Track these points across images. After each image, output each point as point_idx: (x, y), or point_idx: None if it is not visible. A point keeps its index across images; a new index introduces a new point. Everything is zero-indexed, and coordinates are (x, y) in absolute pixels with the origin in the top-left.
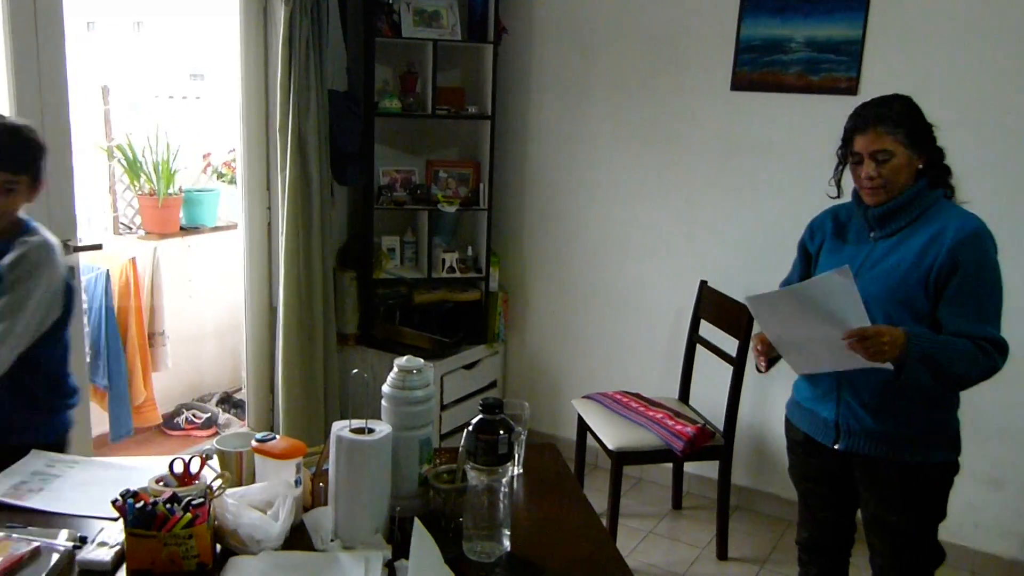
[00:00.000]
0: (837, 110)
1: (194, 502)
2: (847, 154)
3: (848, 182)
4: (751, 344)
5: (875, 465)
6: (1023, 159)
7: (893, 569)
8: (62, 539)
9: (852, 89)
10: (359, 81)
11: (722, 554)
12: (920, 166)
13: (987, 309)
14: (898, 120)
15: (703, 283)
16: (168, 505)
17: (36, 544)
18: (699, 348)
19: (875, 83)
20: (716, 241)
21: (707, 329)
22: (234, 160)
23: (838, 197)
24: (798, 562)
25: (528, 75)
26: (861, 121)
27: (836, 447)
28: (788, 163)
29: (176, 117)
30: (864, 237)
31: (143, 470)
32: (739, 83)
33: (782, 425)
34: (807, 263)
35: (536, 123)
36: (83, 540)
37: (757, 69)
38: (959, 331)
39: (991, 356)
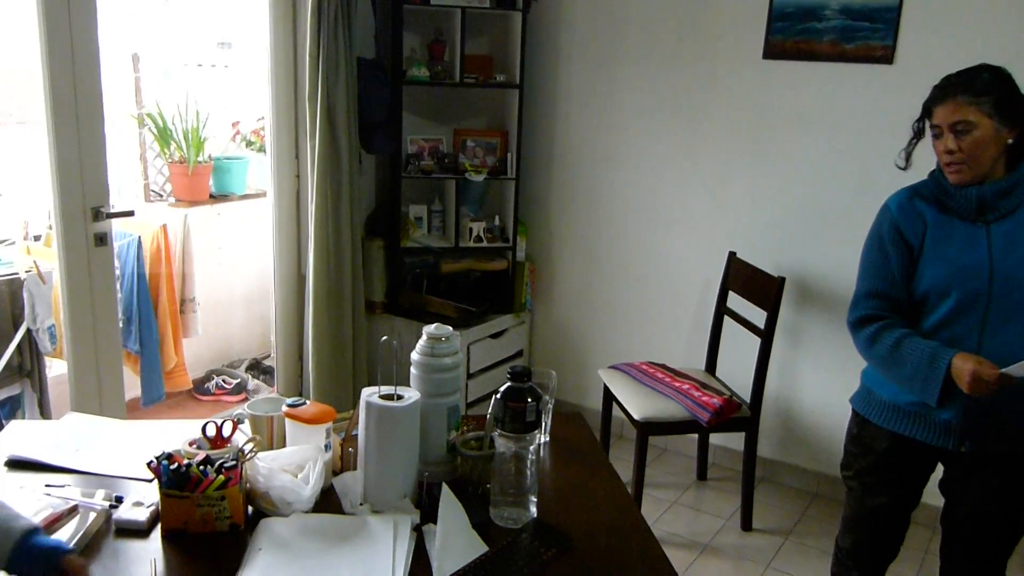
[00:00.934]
0: (871, 80)
1: (226, 465)
2: (922, 128)
3: (922, 157)
4: (982, 379)
5: (1001, 460)
6: None
7: (988, 560)
8: (99, 499)
9: (887, 58)
10: (387, 49)
11: (747, 525)
12: (1010, 140)
13: None
14: (983, 89)
15: (732, 254)
16: (201, 467)
17: (74, 503)
18: (727, 319)
19: (912, 52)
20: (745, 212)
21: (735, 301)
22: (263, 128)
23: (906, 169)
24: (837, 565)
25: (557, 43)
26: (941, 91)
27: (962, 449)
28: (820, 134)
29: (205, 85)
30: (969, 219)
31: (176, 433)
32: (771, 51)
33: (809, 397)
34: (907, 255)
35: (565, 92)
36: (119, 500)
37: (790, 37)
38: None
39: None
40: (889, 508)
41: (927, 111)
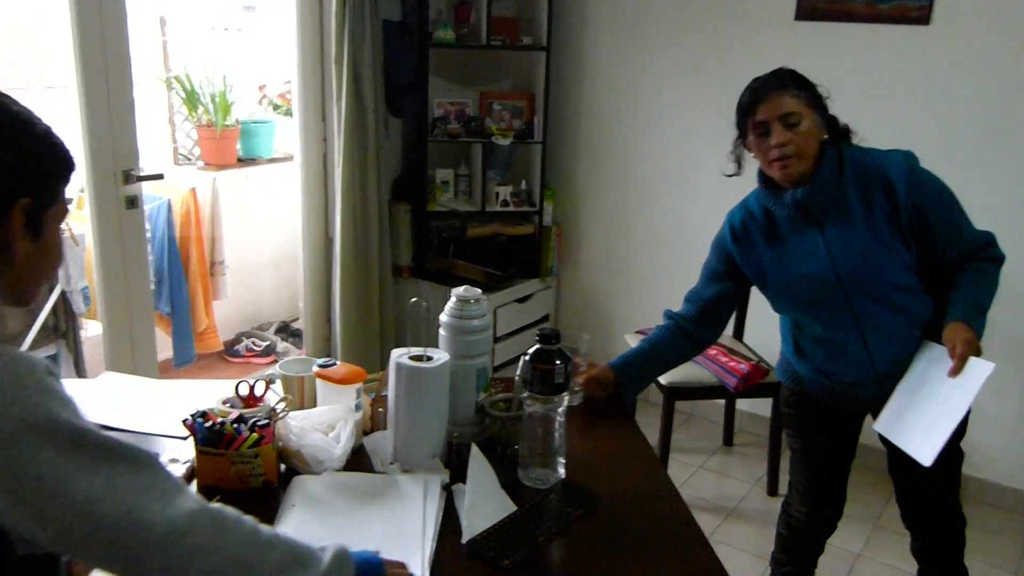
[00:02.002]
0: (907, 41)
1: (260, 423)
2: (746, 132)
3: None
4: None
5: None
6: None
7: (944, 522)
8: None
9: (923, 18)
10: (413, 11)
11: (772, 490)
12: (825, 136)
13: (963, 219)
14: (798, 84)
15: None
16: (235, 425)
17: None
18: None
19: (949, 12)
20: None
21: None
22: (289, 92)
23: (737, 174)
24: (790, 537)
25: (584, 4)
26: (758, 91)
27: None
28: (852, 97)
29: (231, 49)
30: (801, 227)
31: (209, 393)
32: (804, 12)
33: None
34: (732, 278)
35: (592, 54)
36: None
37: None
38: (961, 254)
39: (997, 258)
40: (833, 453)
41: (745, 112)
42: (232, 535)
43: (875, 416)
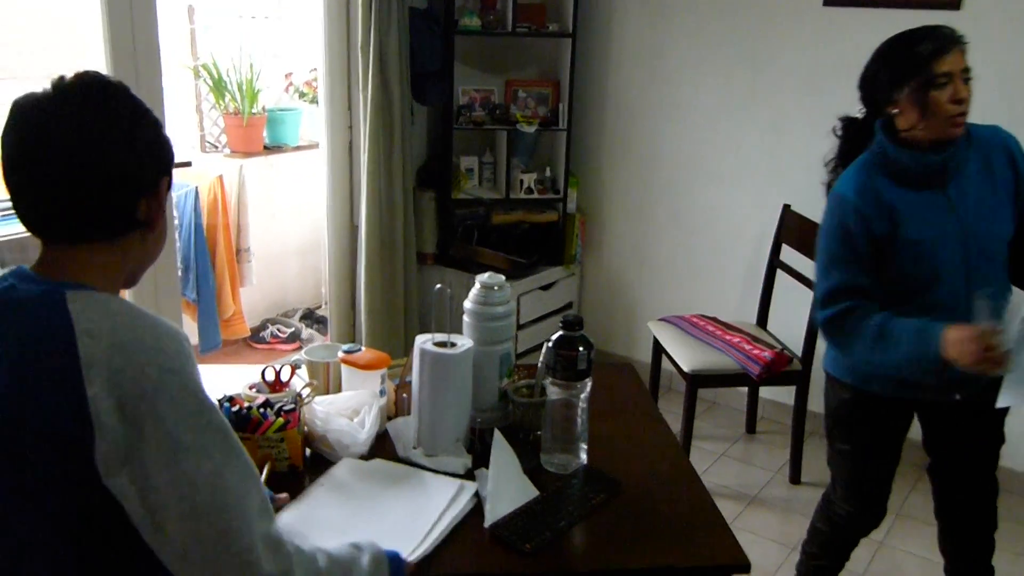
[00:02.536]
0: (940, 22)
1: (286, 408)
2: (909, 84)
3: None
4: (973, 351)
5: (981, 406)
6: None
7: (981, 534)
8: None
9: (954, 3)
10: None
11: (795, 478)
12: None
13: None
14: (964, 41)
15: (786, 207)
16: (262, 410)
17: None
18: (779, 273)
19: None
20: (801, 165)
21: (788, 254)
22: (315, 79)
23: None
24: (832, 534)
25: None
26: (944, 41)
27: (957, 398)
28: None
29: (258, 36)
30: (927, 188)
31: (235, 378)
32: None
33: None
34: (874, 244)
35: (618, 41)
36: None
37: None
38: None
39: None
40: (890, 452)
41: (922, 63)
42: (302, 569)
43: (943, 402)
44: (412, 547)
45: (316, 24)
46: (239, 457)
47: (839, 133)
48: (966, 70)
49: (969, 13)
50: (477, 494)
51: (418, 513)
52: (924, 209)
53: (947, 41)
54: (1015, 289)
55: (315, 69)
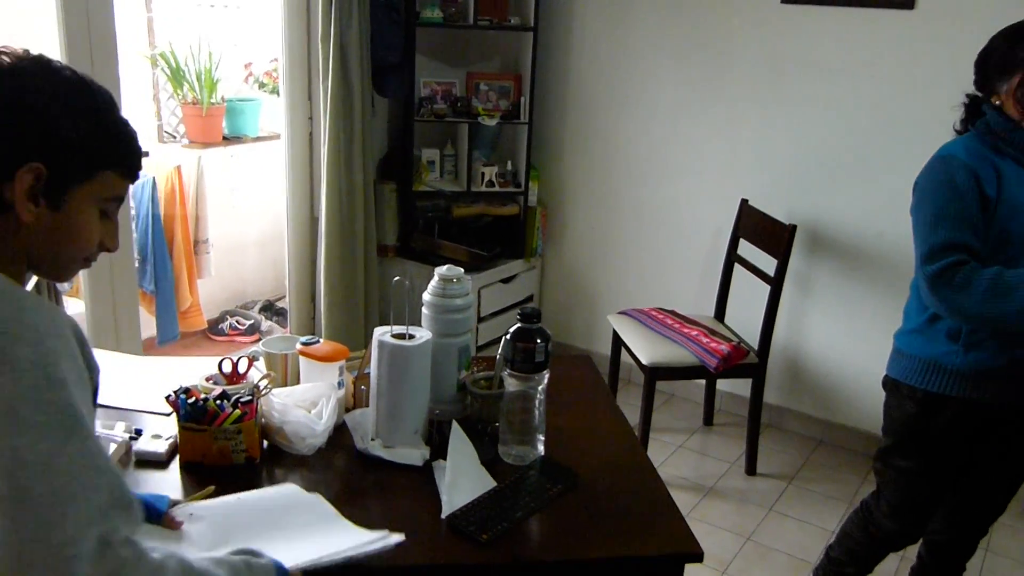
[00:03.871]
0: (891, 26)
1: (242, 400)
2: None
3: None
4: None
5: None
6: None
7: (988, 519)
8: (119, 431)
9: (908, 3)
10: None
11: (751, 469)
12: None
13: None
14: None
15: (743, 201)
16: (218, 402)
17: (96, 434)
18: (737, 267)
19: None
20: (758, 160)
21: (745, 248)
22: (275, 70)
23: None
24: (870, 547)
25: None
26: None
27: None
28: (836, 82)
29: (217, 26)
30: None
31: (192, 370)
32: None
33: (817, 346)
34: (982, 204)
35: (579, 36)
36: (138, 432)
37: None
38: None
39: None
40: (948, 481)
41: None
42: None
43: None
44: (299, 559)
45: (276, 14)
46: (84, 443)
47: (965, 102)
48: None
49: (922, 13)
50: (426, 463)
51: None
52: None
53: None
54: None
55: (275, 59)
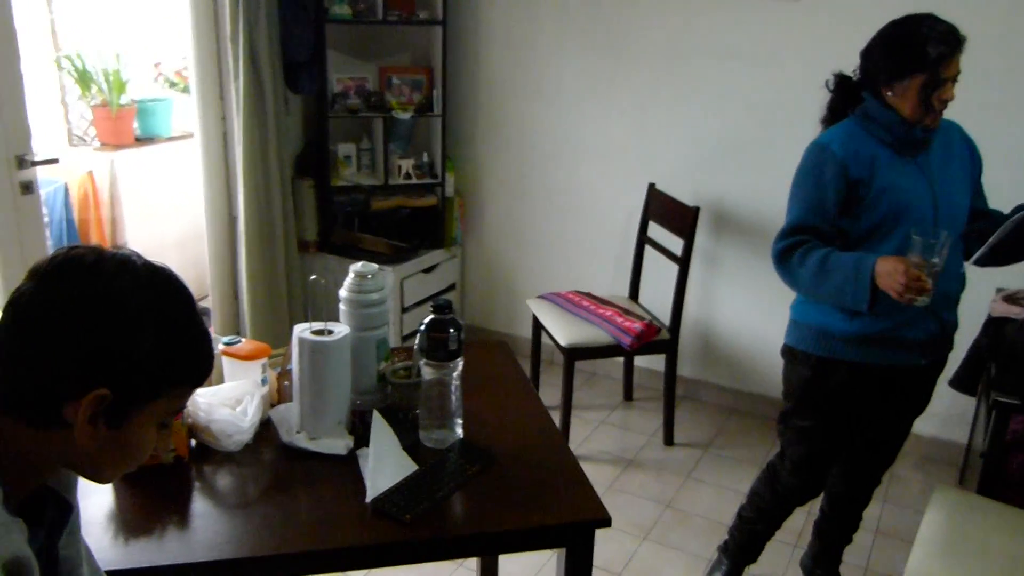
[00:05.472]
0: (778, 14)
1: None
2: (916, 73)
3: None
4: (901, 282)
5: (933, 370)
6: None
7: (880, 470)
8: None
9: None
10: None
11: (669, 440)
12: None
13: None
14: None
15: (651, 185)
16: None
17: None
18: (648, 248)
19: None
20: (664, 144)
21: (655, 230)
22: (185, 68)
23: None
24: (776, 506)
25: None
26: (956, 47)
27: (923, 363)
28: (734, 67)
29: (122, 25)
30: (903, 155)
31: None
32: None
33: (726, 320)
34: (846, 193)
35: (487, 28)
36: None
37: None
38: (982, 210)
39: None
40: (843, 437)
41: (935, 61)
42: None
43: (908, 367)
44: None
45: (184, 13)
46: None
47: (831, 88)
48: (959, 72)
49: (805, 5)
50: (350, 451)
51: None
52: (901, 166)
53: (955, 45)
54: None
55: (185, 57)
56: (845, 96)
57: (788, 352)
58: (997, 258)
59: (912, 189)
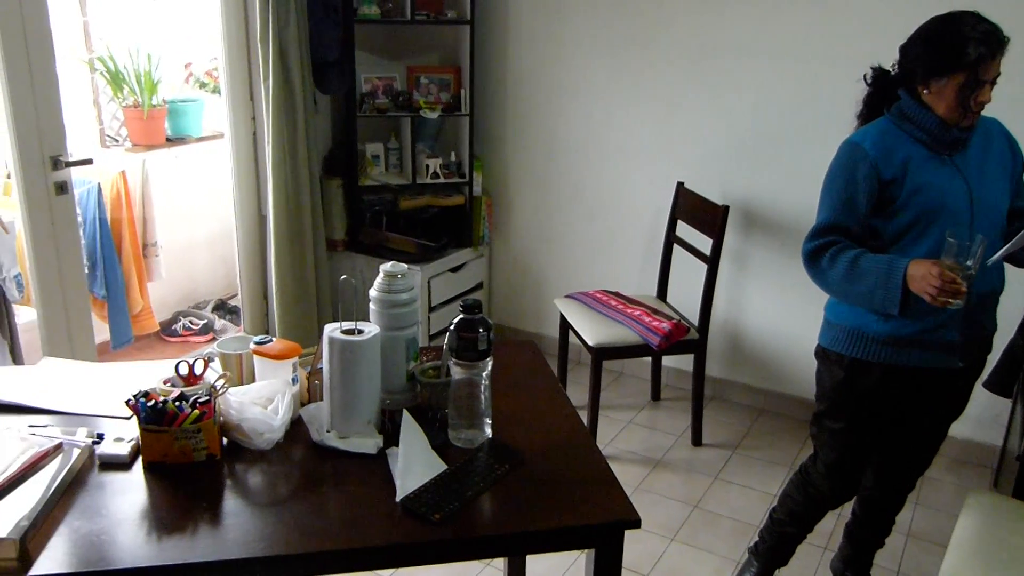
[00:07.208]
0: (811, 7)
1: (200, 400)
2: (956, 72)
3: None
4: (935, 285)
5: (970, 372)
6: None
7: (915, 474)
8: (81, 436)
9: None
10: None
11: (697, 440)
12: None
13: None
14: None
15: (680, 184)
16: (177, 403)
17: (58, 441)
18: (676, 247)
19: None
20: (692, 142)
21: (684, 229)
22: (215, 69)
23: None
24: (808, 508)
25: None
26: (994, 46)
27: (960, 365)
28: (761, 64)
29: (154, 26)
30: (938, 153)
31: (149, 373)
32: None
33: (755, 319)
34: (878, 193)
35: (515, 27)
36: (100, 437)
37: None
38: (1022, 209)
39: None
40: (876, 440)
41: (976, 61)
42: None
43: (944, 369)
44: None
45: (214, 15)
46: None
47: (869, 81)
48: (998, 75)
49: (835, 1)
50: (380, 451)
51: None
52: (936, 165)
53: (997, 47)
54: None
55: (216, 58)
56: (882, 91)
57: (821, 353)
58: (1014, 262)
59: (947, 189)
